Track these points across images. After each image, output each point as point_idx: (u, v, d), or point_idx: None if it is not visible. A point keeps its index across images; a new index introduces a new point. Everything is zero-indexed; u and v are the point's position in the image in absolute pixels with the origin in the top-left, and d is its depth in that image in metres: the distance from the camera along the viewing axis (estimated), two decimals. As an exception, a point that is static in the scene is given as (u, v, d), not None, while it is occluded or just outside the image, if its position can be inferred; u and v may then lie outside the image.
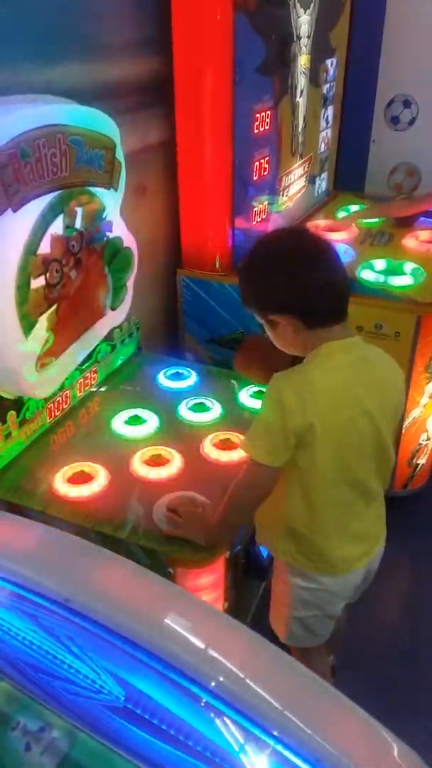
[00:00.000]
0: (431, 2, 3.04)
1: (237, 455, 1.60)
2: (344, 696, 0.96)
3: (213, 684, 0.89)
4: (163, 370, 1.96)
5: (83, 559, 0.97)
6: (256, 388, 1.86)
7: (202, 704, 0.91)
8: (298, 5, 2.22)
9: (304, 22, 2.31)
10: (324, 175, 3.04)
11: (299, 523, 1.33)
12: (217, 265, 2.18)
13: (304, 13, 2.30)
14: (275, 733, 0.87)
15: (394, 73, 3.26)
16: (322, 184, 3.05)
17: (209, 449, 1.62)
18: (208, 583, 1.41)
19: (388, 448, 1.34)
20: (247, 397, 1.84)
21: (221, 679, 0.89)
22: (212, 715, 0.91)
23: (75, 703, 1.06)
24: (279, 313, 1.26)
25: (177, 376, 1.94)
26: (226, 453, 1.61)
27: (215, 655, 0.92)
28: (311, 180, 2.83)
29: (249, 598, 1.77)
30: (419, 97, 3.26)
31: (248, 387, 1.87)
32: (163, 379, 1.93)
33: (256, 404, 1.80)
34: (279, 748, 0.87)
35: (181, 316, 2.30)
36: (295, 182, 2.62)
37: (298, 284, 1.23)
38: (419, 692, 1.87)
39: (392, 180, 3.44)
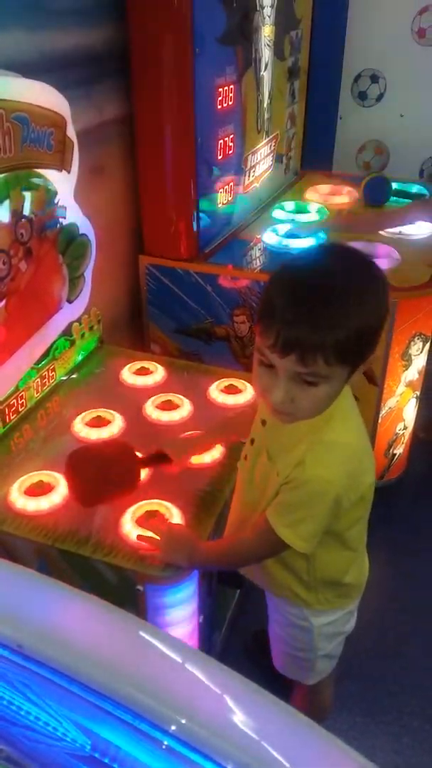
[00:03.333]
0: (397, -28, 2.93)
1: (210, 458, 1.49)
2: (333, 736, 0.87)
3: (174, 728, 0.79)
4: (128, 365, 1.83)
5: (38, 597, 0.85)
6: (227, 383, 1.75)
7: (164, 747, 0.81)
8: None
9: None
10: (291, 153, 2.92)
11: (341, 571, 1.24)
12: (183, 251, 2.05)
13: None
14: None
15: (361, 46, 3.14)
16: (290, 163, 2.93)
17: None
18: (181, 598, 1.31)
19: None
20: (218, 392, 1.73)
21: (183, 721, 0.79)
22: (183, 764, 0.82)
23: (36, 750, 0.95)
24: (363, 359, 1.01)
25: (142, 372, 1.82)
26: (199, 456, 1.49)
27: (184, 700, 0.82)
28: (278, 159, 2.71)
29: (225, 607, 1.67)
30: (387, 72, 3.15)
31: (220, 381, 1.76)
32: (127, 375, 1.80)
33: (228, 400, 1.69)
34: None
35: (145, 306, 2.17)
36: (262, 161, 2.49)
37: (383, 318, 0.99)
38: (401, 689, 1.81)
39: (360, 158, 3.35)
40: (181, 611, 1.32)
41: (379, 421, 2.15)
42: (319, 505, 1.06)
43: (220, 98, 1.97)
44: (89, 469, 1.28)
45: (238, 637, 1.77)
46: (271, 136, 2.54)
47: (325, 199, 2.68)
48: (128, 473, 1.30)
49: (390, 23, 3.04)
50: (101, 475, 1.27)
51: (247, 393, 1.70)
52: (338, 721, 1.71)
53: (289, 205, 2.57)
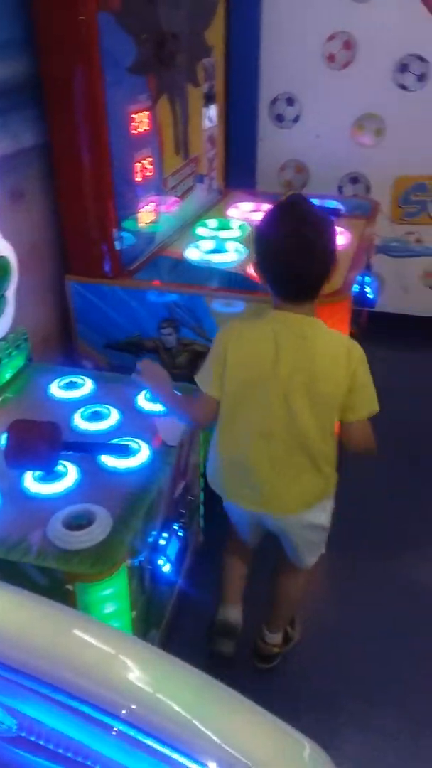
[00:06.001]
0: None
1: (137, 463, 1.57)
2: (272, 716, 0.92)
3: (125, 711, 0.85)
4: (56, 380, 1.89)
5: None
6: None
7: (112, 731, 0.87)
8: (167, 4, 2.20)
9: (175, 20, 2.30)
10: (213, 173, 3.05)
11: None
12: (107, 269, 2.13)
13: (175, 11, 2.29)
14: (170, 742, 0.85)
15: (276, 71, 3.30)
16: (212, 183, 3.06)
17: (108, 458, 1.58)
18: (111, 595, 1.37)
19: (307, 429, 1.45)
20: (145, 401, 1.81)
21: (129, 705, 0.86)
22: (109, 733, 0.88)
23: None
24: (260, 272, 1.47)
25: (71, 386, 1.88)
26: (127, 461, 1.57)
27: (109, 675, 0.89)
28: (200, 179, 2.83)
29: (161, 603, 1.73)
30: (302, 95, 3.32)
31: (146, 391, 1.84)
32: (56, 390, 1.86)
33: (156, 408, 1.77)
34: (175, 756, 0.85)
35: (73, 323, 2.23)
36: (183, 182, 2.61)
37: (271, 256, 1.42)
38: (407, 672, 1.84)
39: (282, 177, 3.50)
40: (113, 607, 1.39)
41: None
42: (212, 347, 1.50)
43: (134, 124, 2.07)
44: (19, 434, 1.49)
45: (178, 634, 1.83)
46: (190, 158, 2.66)
47: (246, 216, 2.81)
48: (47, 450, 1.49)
49: (302, 49, 3.21)
50: (25, 442, 1.48)
51: (172, 399, 1.78)
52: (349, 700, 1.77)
53: (212, 222, 2.69)
